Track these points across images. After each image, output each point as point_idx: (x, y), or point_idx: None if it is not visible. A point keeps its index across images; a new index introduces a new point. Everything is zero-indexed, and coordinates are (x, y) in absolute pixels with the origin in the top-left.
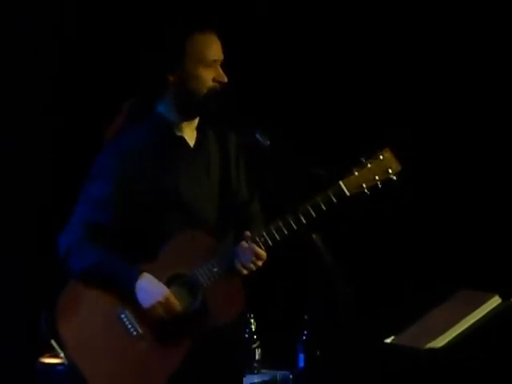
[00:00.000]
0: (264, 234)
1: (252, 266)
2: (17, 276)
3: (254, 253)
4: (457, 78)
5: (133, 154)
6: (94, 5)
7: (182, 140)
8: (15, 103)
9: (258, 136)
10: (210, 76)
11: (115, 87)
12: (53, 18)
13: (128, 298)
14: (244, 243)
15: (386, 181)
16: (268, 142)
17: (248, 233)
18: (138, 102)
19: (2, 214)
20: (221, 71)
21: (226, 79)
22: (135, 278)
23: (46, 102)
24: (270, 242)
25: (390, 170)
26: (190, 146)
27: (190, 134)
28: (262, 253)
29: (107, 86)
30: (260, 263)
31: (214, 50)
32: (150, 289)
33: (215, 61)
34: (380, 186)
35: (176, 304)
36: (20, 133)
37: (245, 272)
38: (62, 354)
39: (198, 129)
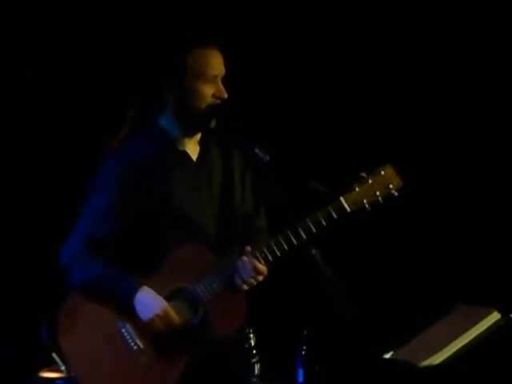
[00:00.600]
0: (264, 249)
1: (252, 281)
2: (17, 286)
3: (255, 268)
4: (458, 92)
5: (135, 166)
6: (94, 5)
7: (185, 154)
8: (15, 103)
9: (257, 151)
10: (210, 92)
11: (115, 87)
12: (53, 17)
13: (128, 311)
14: (244, 258)
15: (388, 196)
16: (267, 157)
17: (249, 248)
18: (139, 114)
19: (2, 214)
20: (221, 87)
21: (225, 95)
22: (134, 291)
23: (46, 101)
24: (270, 257)
25: (391, 186)
26: (192, 161)
27: (192, 148)
28: (263, 268)
29: (107, 86)
30: (260, 278)
31: (215, 64)
32: (149, 302)
33: (215, 76)
34: (381, 201)
35: (175, 318)
36: (20, 133)
37: (245, 287)
38: (62, 367)
39: (201, 143)
